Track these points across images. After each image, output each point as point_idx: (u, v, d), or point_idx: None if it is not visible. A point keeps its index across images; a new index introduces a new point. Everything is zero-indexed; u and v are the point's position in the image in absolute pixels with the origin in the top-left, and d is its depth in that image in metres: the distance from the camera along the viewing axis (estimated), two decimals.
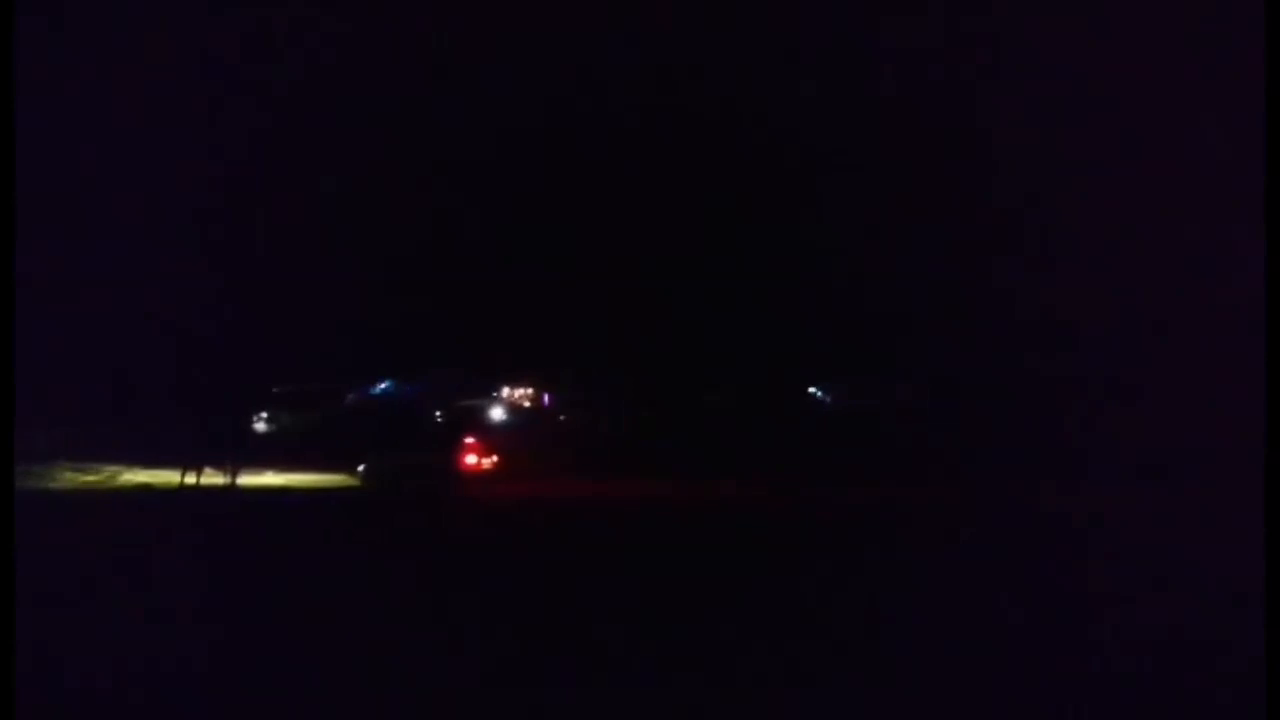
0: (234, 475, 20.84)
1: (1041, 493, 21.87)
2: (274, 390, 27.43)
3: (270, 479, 21.99)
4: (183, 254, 29.73)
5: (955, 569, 14.00)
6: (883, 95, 31.69)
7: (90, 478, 21.49)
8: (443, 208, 34.81)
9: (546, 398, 36.70)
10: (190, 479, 20.51)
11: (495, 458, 22.84)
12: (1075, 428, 25.58)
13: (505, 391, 35.88)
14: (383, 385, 32.46)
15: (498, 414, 31.46)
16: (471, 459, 22.15)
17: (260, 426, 26.67)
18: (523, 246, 36.20)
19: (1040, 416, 26.92)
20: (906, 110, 31.53)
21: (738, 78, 32.78)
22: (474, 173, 34.44)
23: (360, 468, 21.23)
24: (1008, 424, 27.15)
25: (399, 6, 32.19)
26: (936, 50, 30.43)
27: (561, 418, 33.92)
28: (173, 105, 29.91)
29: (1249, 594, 9.20)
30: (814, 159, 33.47)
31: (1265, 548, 8.61)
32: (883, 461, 25.25)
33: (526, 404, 35.82)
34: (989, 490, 22.31)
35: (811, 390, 36.66)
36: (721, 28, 32.19)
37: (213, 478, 20.72)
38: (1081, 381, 27.80)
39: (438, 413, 27.50)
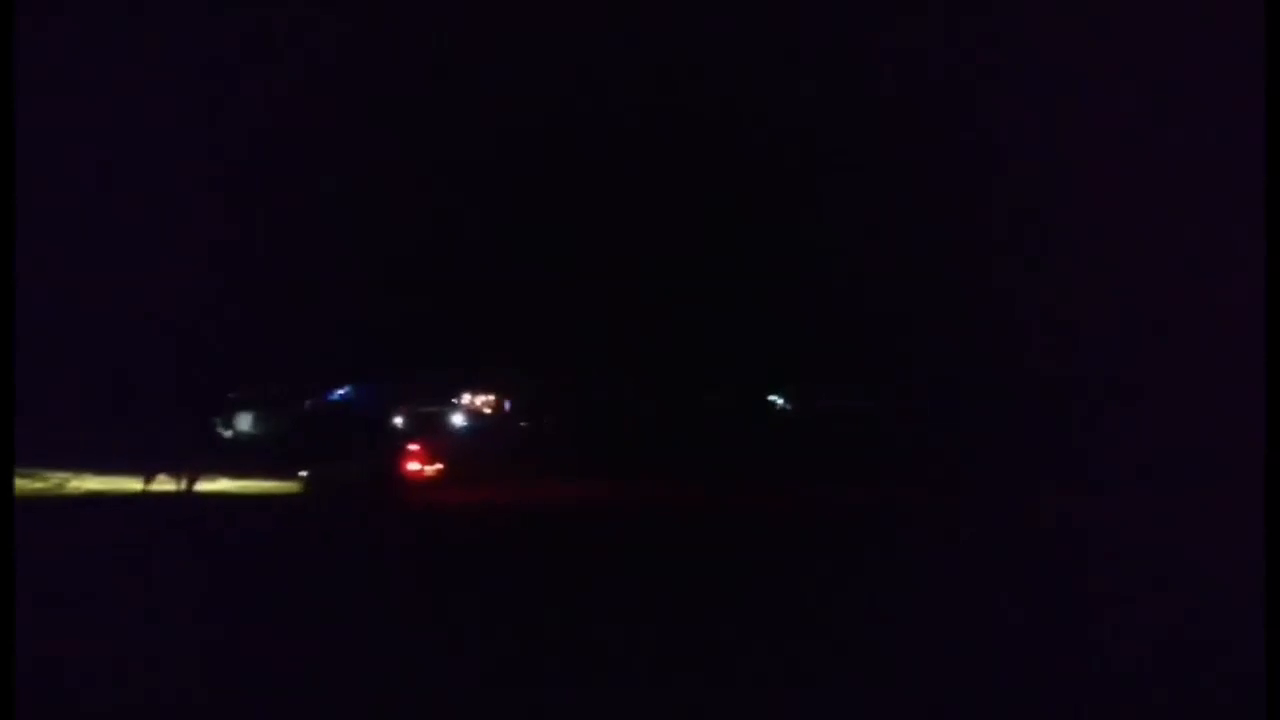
0: (192, 482, 20.38)
1: (1040, 492, 21.88)
2: (229, 395, 26.95)
3: (225, 485, 21.62)
4: (172, 254, 29.71)
5: (954, 569, 14.01)
6: (883, 95, 31.69)
7: (37, 485, 20.54)
8: (443, 208, 34.80)
9: (507, 404, 36.56)
10: (151, 486, 19.96)
11: (439, 465, 22.63)
12: (1075, 427, 25.58)
13: (466, 398, 35.73)
14: (342, 390, 31.96)
15: (457, 420, 31.35)
16: (414, 466, 21.98)
17: (221, 432, 26.21)
18: (523, 246, 36.19)
19: (1039, 416, 26.92)
20: (906, 110, 31.53)
21: (738, 78, 32.78)
22: (474, 173, 34.44)
23: (302, 474, 21.06)
24: (1006, 424, 27.16)
25: (399, 6, 32.19)
26: (936, 50, 30.43)
27: (522, 424, 33.82)
28: (173, 105, 29.93)
29: (1249, 594, 9.20)
30: (814, 159, 33.47)
31: (1265, 548, 8.61)
32: (857, 467, 25.21)
33: (487, 410, 35.69)
34: (987, 491, 22.31)
35: (772, 398, 36.22)
36: (721, 28, 32.19)
37: (165, 485, 20.24)
38: (1081, 381, 27.81)
39: (397, 419, 27.16)
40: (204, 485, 20.76)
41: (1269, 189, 9.54)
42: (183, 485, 20.24)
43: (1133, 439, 23.71)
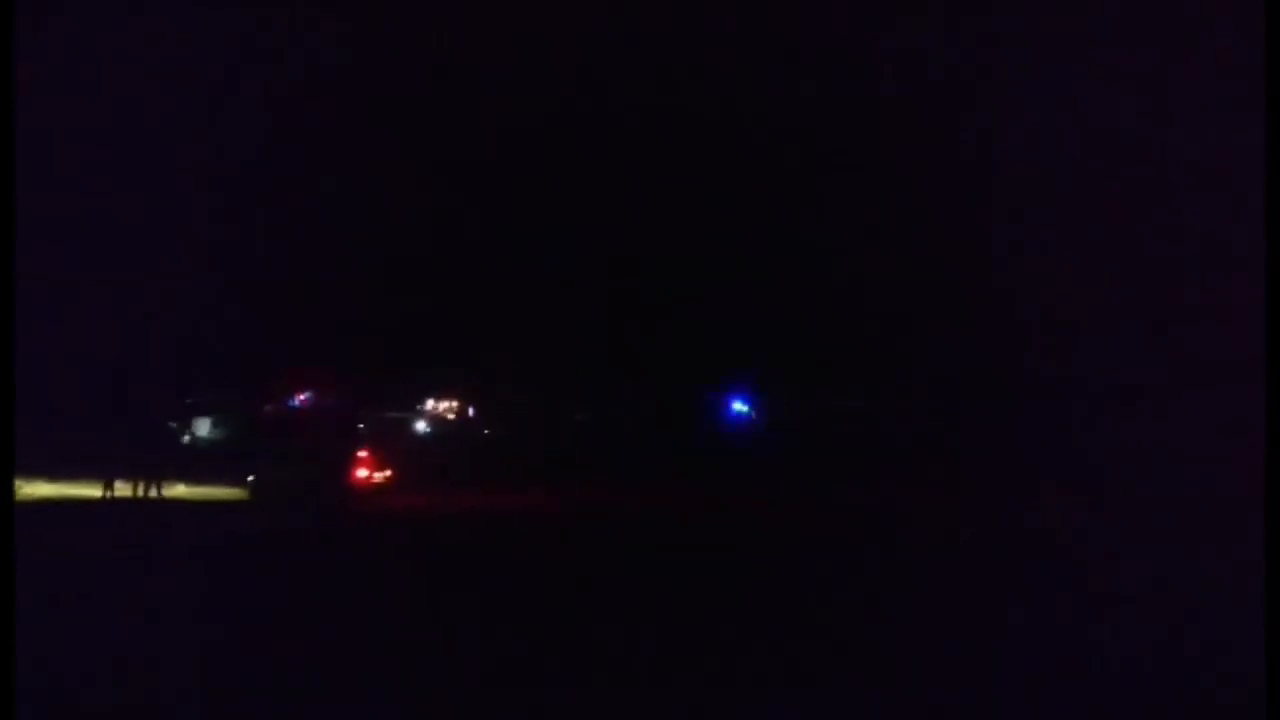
0: (159, 488, 20.10)
1: (1040, 493, 21.90)
2: (187, 401, 26.68)
3: (181, 491, 21.40)
4: (172, 254, 29.70)
5: (954, 569, 14.01)
6: (883, 95, 31.71)
7: None
8: (443, 208, 34.83)
9: (471, 410, 36.47)
10: (113, 492, 19.65)
11: (389, 472, 22.43)
12: (1075, 428, 25.61)
13: (430, 404, 35.56)
14: (302, 396, 31.70)
15: (418, 426, 31.20)
16: (363, 473, 21.79)
17: (181, 438, 26.01)
18: (523, 246, 36.22)
19: (1038, 417, 26.95)
20: (906, 110, 31.55)
21: (738, 78, 32.80)
22: (474, 173, 34.46)
23: (249, 479, 20.91)
24: (1006, 424, 27.18)
25: (399, 6, 32.21)
26: (936, 50, 30.45)
27: (486, 431, 33.72)
28: (173, 105, 29.97)
29: (1249, 594, 9.20)
30: (814, 159, 33.49)
31: (1265, 548, 8.61)
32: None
33: (450, 416, 35.53)
34: (987, 491, 22.32)
35: (740, 407, 35.89)
36: (721, 28, 32.22)
37: (122, 490, 19.76)
38: (1081, 382, 27.84)
39: (359, 425, 26.98)
40: (166, 491, 20.55)
41: (1269, 189, 9.53)
42: (141, 491, 19.91)
43: (1133, 439, 23.73)
